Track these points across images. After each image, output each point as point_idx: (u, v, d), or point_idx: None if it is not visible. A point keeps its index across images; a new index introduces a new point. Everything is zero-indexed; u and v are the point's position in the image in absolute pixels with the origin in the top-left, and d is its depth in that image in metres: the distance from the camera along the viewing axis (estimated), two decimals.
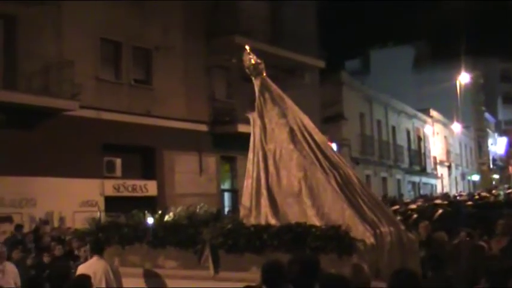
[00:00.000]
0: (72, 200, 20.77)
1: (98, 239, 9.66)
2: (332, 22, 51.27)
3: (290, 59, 30.13)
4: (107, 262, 9.27)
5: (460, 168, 63.99)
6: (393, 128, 46.59)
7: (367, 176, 40.36)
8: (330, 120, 35.47)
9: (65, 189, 20.57)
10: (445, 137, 59.76)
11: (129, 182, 23.49)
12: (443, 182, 56.82)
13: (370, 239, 8.03)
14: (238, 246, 8.52)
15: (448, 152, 59.94)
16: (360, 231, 8.13)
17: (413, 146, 51.18)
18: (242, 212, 9.51)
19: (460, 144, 64.49)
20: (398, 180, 46.87)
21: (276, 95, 10.15)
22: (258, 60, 10.18)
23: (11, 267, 11.97)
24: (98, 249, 9.42)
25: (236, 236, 8.57)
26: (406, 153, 48.79)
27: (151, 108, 24.40)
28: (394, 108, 47.03)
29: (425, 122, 54.22)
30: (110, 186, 22.66)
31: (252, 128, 9.98)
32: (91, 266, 9.10)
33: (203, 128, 26.52)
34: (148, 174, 24.63)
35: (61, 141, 20.73)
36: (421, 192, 48.11)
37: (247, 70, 10.23)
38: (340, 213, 8.51)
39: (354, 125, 38.90)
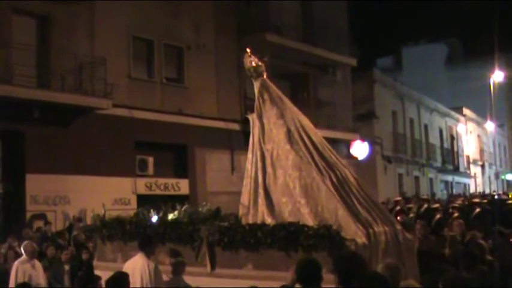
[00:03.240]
0: (105, 198, 20.76)
1: (145, 235, 9.53)
2: (364, 19, 50.85)
3: (322, 56, 30.03)
4: (149, 260, 8.99)
5: (493, 167, 63.21)
6: (426, 126, 46.15)
7: (400, 175, 40.05)
8: (362, 118, 35.28)
9: (98, 187, 20.68)
10: (479, 135, 59.07)
11: (161, 181, 23.57)
12: (477, 181, 56.16)
13: (362, 238, 8.25)
14: (234, 243, 8.77)
15: (481, 151, 59.25)
16: (352, 230, 8.37)
17: (446, 145, 50.66)
18: (241, 210, 9.79)
19: (493, 143, 63.71)
20: (431, 179, 46.42)
21: (276, 96, 10.35)
22: (259, 63, 10.50)
23: (38, 263, 12.15)
24: (142, 246, 9.15)
25: (232, 234, 8.82)
26: (438, 151, 48.31)
27: (183, 106, 24.46)
28: (426, 107, 46.59)
29: (458, 120, 53.65)
30: (142, 185, 22.76)
31: (252, 128, 10.32)
32: (132, 263, 8.98)
33: (235, 126, 26.48)
34: (180, 173, 24.68)
35: (94, 139, 20.86)
36: (454, 191, 47.62)
37: (247, 72, 10.65)
38: (334, 212, 8.75)
39: (386, 123, 38.58)
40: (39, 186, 19.64)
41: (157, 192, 22.97)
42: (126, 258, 9.63)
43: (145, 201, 21.04)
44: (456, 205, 20.83)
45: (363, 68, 35.68)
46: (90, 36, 21.70)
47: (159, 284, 8.99)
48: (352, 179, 9.47)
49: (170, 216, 9.95)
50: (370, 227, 8.62)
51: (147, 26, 23.59)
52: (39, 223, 19.13)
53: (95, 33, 21.83)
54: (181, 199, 21.88)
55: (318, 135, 10.04)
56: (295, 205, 9.11)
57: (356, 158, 33.97)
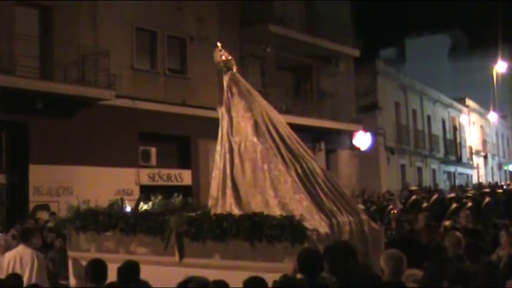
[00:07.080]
0: (108, 188, 20.88)
1: (25, 228, 10.31)
2: (367, 10, 50.83)
3: (325, 47, 30.00)
4: (35, 251, 9.76)
5: (496, 158, 63.12)
6: (428, 117, 46.11)
7: (402, 166, 40.07)
8: (365, 109, 35.29)
9: (101, 178, 20.74)
10: (482, 126, 59.00)
11: (164, 171, 23.62)
12: (479, 172, 56.13)
13: (324, 228, 8.37)
14: (201, 234, 8.90)
15: (484, 142, 59.16)
16: (316, 220, 8.51)
17: (449, 136, 50.62)
18: (210, 201, 9.91)
19: (496, 134, 63.57)
20: (434, 170, 46.42)
21: (244, 89, 10.42)
22: (229, 57, 10.62)
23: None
24: (25, 238, 9.87)
25: (199, 225, 8.95)
26: (441, 142, 48.28)
27: (186, 97, 24.47)
28: (429, 98, 46.53)
29: (461, 111, 53.57)
30: (145, 175, 22.82)
31: (220, 121, 10.31)
32: (18, 253, 9.61)
33: None
34: (183, 164, 24.73)
35: (97, 130, 20.91)
36: (457, 182, 47.65)
37: (217, 66, 10.76)
38: (299, 203, 8.89)
39: (389, 114, 38.56)
40: (42, 177, 19.70)
41: (160, 183, 23.01)
42: (99, 249, 9.95)
43: (149, 191, 21.11)
44: (469, 195, 20.91)
45: (366, 59, 35.70)
46: (93, 27, 21.72)
47: (44, 273, 9.84)
48: (318, 170, 9.61)
49: (144, 207, 10.10)
50: (334, 217, 8.77)
51: (150, 17, 23.59)
52: (42, 214, 19.18)
53: (98, 24, 21.84)
54: (184, 190, 22.03)
55: (286, 128, 10.16)
56: (263, 196, 9.27)
57: (359, 149, 34.06)
